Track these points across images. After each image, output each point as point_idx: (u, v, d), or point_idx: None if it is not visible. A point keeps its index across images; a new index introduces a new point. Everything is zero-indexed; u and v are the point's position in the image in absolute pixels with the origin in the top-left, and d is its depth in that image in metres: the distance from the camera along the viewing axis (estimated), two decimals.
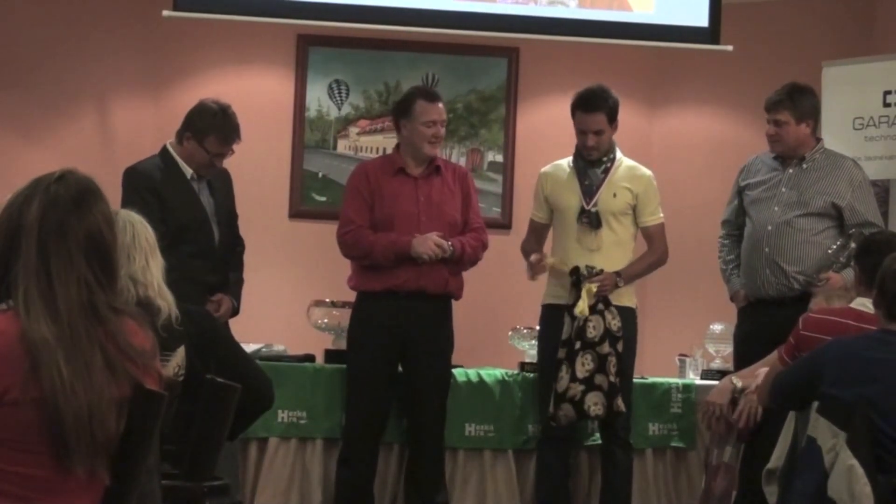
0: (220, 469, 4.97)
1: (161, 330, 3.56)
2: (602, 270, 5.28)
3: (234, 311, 5.29)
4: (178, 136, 5.19)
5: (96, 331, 2.33)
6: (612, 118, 5.37)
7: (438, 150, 5.42)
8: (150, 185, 5.11)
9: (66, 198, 2.37)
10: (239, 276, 5.38)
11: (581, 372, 5.19)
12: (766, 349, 4.85)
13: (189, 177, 5.17)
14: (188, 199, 5.15)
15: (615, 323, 5.24)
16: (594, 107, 5.34)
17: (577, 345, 5.22)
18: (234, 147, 5.17)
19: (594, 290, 5.23)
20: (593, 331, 5.22)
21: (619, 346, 5.24)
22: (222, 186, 5.31)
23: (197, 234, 5.14)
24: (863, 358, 3.87)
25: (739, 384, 4.83)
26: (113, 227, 2.41)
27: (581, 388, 5.19)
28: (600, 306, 5.24)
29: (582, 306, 5.19)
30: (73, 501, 2.36)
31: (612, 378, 5.19)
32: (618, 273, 5.30)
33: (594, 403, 5.18)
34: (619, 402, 5.20)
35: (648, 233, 5.46)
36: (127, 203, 4.94)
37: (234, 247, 5.37)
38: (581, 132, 5.38)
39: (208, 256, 5.17)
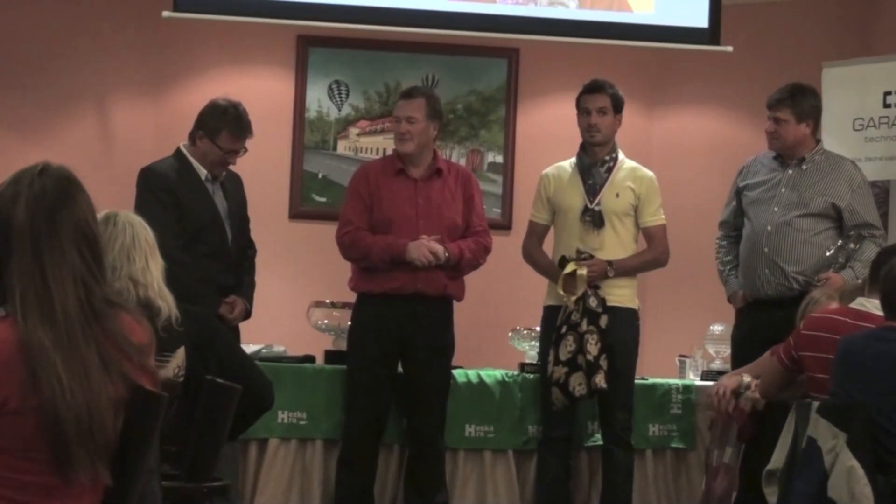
0: (220, 473, 5.00)
1: (161, 331, 3.56)
2: (592, 255, 5.28)
3: (247, 314, 5.30)
4: (191, 137, 5.20)
5: (93, 329, 2.32)
6: (616, 106, 5.41)
7: (410, 147, 5.27)
8: (166, 185, 5.12)
9: (52, 192, 2.34)
10: (251, 279, 5.39)
11: (563, 354, 5.23)
12: (765, 350, 4.86)
13: (203, 178, 5.18)
14: (203, 199, 5.16)
15: (594, 300, 5.24)
16: (598, 88, 5.42)
17: (563, 329, 5.25)
18: (248, 145, 5.19)
19: (583, 271, 5.23)
20: (576, 314, 5.24)
21: (603, 322, 5.22)
22: (234, 190, 5.32)
23: (211, 234, 5.15)
24: (863, 354, 3.89)
25: (747, 379, 4.85)
26: (95, 216, 2.39)
27: (564, 370, 5.22)
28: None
29: (568, 276, 5.20)
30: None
31: (589, 356, 5.19)
32: (609, 262, 5.30)
33: (578, 384, 5.20)
34: (597, 379, 5.18)
35: (649, 233, 5.47)
36: (143, 203, 5.00)
37: (245, 250, 5.37)
38: (585, 112, 5.40)
39: (222, 257, 5.18)
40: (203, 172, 5.18)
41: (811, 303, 4.86)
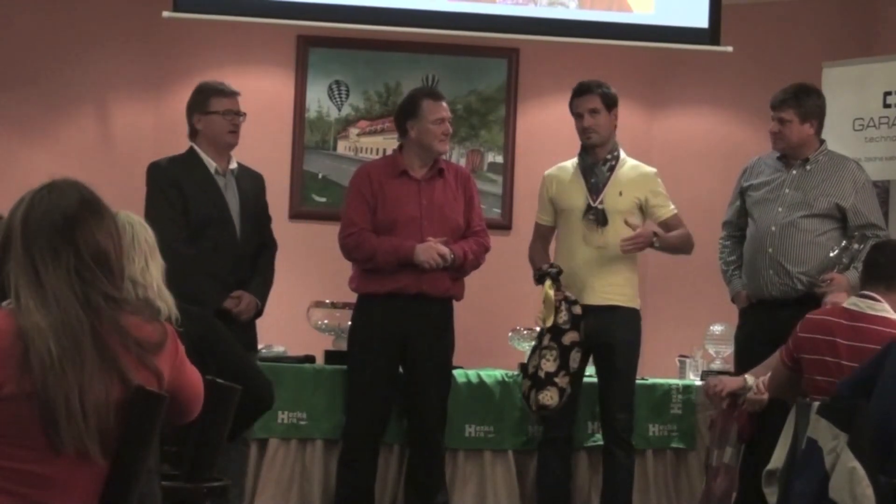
0: (228, 474, 5.02)
1: None
2: (561, 270, 5.28)
3: (259, 312, 5.24)
4: (192, 130, 5.22)
5: (89, 317, 2.38)
6: (608, 103, 5.40)
7: (448, 146, 5.44)
8: (170, 179, 5.12)
9: (54, 200, 2.45)
10: (265, 277, 5.30)
11: (530, 367, 5.30)
12: (768, 350, 4.87)
13: (213, 171, 5.17)
14: (210, 192, 5.14)
15: (562, 316, 5.24)
16: (586, 90, 5.42)
17: (535, 342, 5.34)
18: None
19: (550, 291, 5.24)
20: (544, 330, 5.28)
21: (566, 339, 5.23)
22: (251, 187, 5.30)
23: (217, 228, 5.12)
24: None
25: (751, 381, 4.86)
26: (108, 229, 2.47)
27: (528, 383, 5.30)
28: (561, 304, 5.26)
29: (545, 311, 5.24)
30: (70, 496, 2.37)
31: (541, 372, 5.23)
32: (655, 233, 5.33)
33: (535, 399, 5.25)
34: (542, 396, 5.23)
35: (669, 225, 5.46)
36: (150, 198, 5.08)
37: (263, 247, 5.32)
38: (577, 116, 5.41)
39: (229, 252, 5.13)
40: (213, 166, 5.17)
41: None
